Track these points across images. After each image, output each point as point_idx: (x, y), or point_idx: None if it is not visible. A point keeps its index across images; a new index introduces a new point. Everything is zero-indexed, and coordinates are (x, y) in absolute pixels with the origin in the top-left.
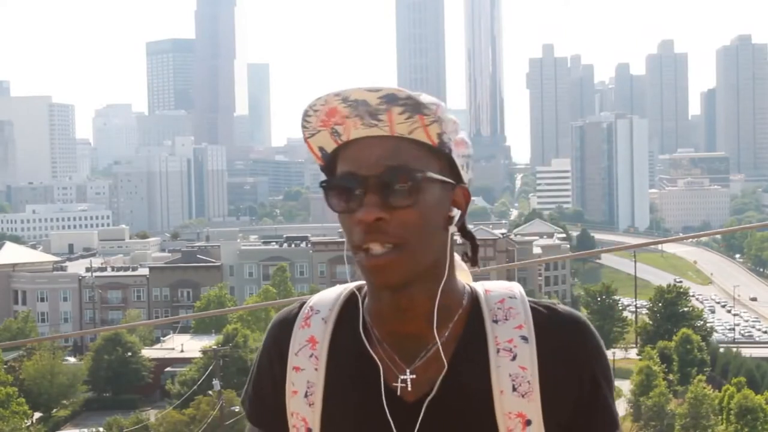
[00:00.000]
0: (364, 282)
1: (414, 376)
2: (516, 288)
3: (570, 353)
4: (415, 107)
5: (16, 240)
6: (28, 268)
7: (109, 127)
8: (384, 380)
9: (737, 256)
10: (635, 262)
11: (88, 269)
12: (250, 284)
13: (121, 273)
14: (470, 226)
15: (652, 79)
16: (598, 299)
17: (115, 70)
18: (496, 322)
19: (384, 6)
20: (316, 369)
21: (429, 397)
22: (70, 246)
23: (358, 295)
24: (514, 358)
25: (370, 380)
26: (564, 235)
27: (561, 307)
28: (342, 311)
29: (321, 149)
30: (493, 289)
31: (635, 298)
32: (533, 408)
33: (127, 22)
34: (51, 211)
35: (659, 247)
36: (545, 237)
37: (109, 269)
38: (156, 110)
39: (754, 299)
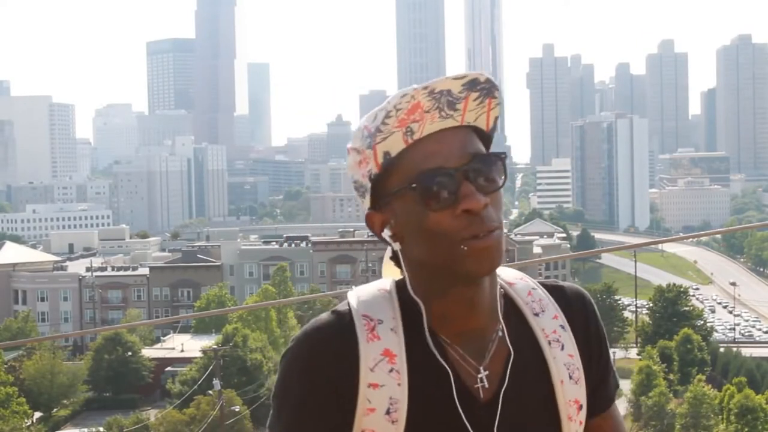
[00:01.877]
0: (392, 281)
1: (488, 372)
2: (526, 277)
3: (587, 325)
4: (489, 91)
5: (17, 240)
6: (29, 267)
7: (110, 126)
8: (462, 384)
9: (739, 258)
10: (635, 261)
11: (88, 269)
12: (251, 284)
13: (122, 273)
14: None
15: (653, 78)
16: (599, 299)
17: (115, 70)
18: (536, 315)
19: (384, 6)
20: (398, 384)
21: (503, 389)
22: (71, 246)
23: (417, 299)
24: (562, 347)
25: (448, 388)
26: (564, 235)
27: (563, 284)
28: (403, 318)
29: (386, 154)
30: (511, 280)
31: (635, 297)
32: (582, 392)
33: (127, 22)
34: (51, 211)
35: (659, 246)
36: (545, 237)
37: (109, 269)
38: (156, 110)
39: (733, 284)
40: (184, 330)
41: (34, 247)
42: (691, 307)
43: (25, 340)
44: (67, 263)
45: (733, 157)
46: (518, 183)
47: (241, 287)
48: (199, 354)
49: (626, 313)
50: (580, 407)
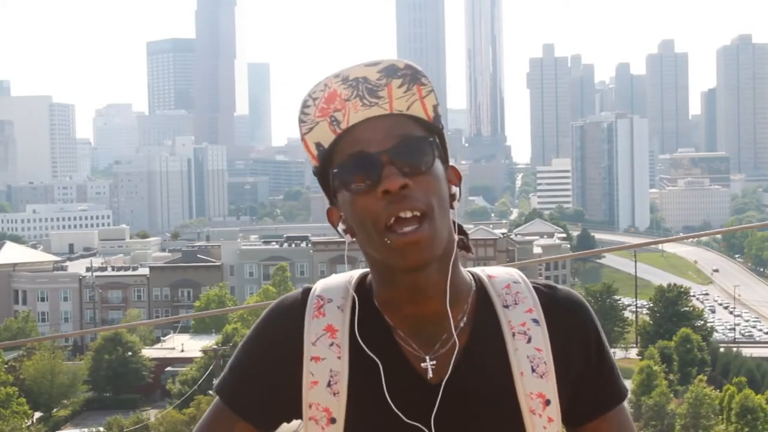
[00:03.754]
0: (366, 271)
1: (435, 362)
2: (516, 273)
3: (575, 330)
4: (413, 77)
5: (17, 240)
6: (29, 267)
7: (110, 126)
8: (409, 365)
9: (739, 258)
10: (635, 261)
11: (88, 269)
12: (251, 284)
13: (122, 273)
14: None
15: (653, 78)
16: (599, 299)
17: (115, 70)
18: (506, 307)
19: (384, 6)
20: (338, 357)
21: (445, 378)
22: (71, 246)
23: (365, 282)
24: (529, 340)
25: (392, 366)
26: (564, 235)
27: (559, 287)
28: (354, 299)
29: (318, 146)
30: (495, 274)
31: (636, 297)
32: (551, 387)
33: (127, 22)
34: (51, 211)
35: (659, 246)
36: (545, 237)
37: (109, 269)
38: (156, 110)
39: (716, 271)
40: (184, 330)
41: (34, 247)
42: (692, 308)
43: (25, 340)
44: (67, 263)
45: (733, 157)
46: (518, 183)
47: (241, 287)
48: (199, 354)
49: (626, 313)
50: (547, 402)
